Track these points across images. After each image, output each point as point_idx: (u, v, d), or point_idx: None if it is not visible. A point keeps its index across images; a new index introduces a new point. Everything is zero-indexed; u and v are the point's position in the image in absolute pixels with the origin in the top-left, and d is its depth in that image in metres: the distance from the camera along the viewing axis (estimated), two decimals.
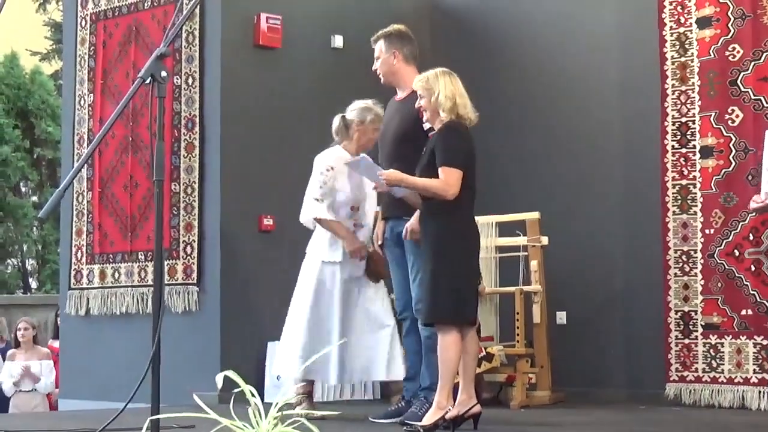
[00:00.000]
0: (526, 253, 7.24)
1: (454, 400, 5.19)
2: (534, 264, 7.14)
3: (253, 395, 2.35)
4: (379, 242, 6.09)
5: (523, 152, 7.96)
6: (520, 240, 7.23)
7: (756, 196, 5.86)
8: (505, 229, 7.35)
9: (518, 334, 6.95)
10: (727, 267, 6.59)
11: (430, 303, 5.20)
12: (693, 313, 6.72)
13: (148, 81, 4.03)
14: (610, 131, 7.56)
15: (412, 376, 5.90)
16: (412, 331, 5.84)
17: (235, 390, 2.41)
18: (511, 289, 7.11)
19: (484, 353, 6.79)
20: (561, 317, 7.60)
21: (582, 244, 7.56)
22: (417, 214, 5.48)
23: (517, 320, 6.98)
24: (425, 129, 5.55)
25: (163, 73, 4.03)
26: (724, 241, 6.62)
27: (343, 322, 5.99)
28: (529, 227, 7.20)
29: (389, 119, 5.97)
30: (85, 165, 7.97)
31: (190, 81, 7.64)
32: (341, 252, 6.02)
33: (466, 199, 5.24)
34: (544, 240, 7.19)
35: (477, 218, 7.09)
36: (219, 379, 2.49)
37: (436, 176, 5.18)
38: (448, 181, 5.15)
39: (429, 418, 5.17)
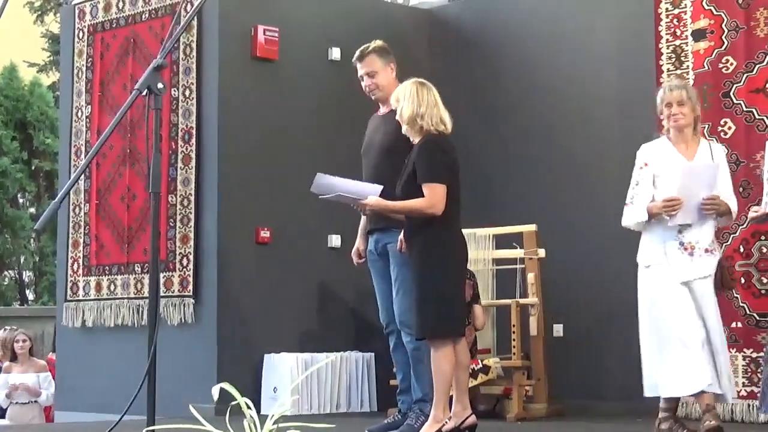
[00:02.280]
0: (523, 266, 7.25)
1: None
2: (531, 276, 7.14)
3: (249, 407, 2.36)
4: (362, 258, 6.04)
5: (519, 164, 7.96)
6: (517, 252, 7.24)
7: (755, 207, 5.85)
8: (501, 242, 7.35)
9: (515, 347, 6.95)
10: None
11: (419, 318, 5.19)
12: None
13: (144, 93, 4.04)
14: (607, 143, 7.56)
15: (405, 389, 5.89)
16: (400, 344, 5.83)
17: (232, 402, 2.41)
18: (508, 301, 7.11)
19: (480, 365, 6.80)
20: (558, 330, 7.59)
21: (579, 256, 7.55)
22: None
23: (514, 333, 6.98)
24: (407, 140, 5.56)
25: (160, 85, 4.04)
26: None
27: (679, 327, 5.34)
28: (526, 240, 7.21)
29: (373, 133, 5.98)
30: (82, 176, 7.96)
31: (187, 93, 7.65)
32: (655, 255, 5.47)
33: (452, 211, 5.21)
34: (541, 252, 7.18)
35: (474, 231, 7.14)
36: (215, 392, 2.49)
37: (418, 187, 5.16)
38: (432, 198, 5.13)
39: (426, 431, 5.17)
